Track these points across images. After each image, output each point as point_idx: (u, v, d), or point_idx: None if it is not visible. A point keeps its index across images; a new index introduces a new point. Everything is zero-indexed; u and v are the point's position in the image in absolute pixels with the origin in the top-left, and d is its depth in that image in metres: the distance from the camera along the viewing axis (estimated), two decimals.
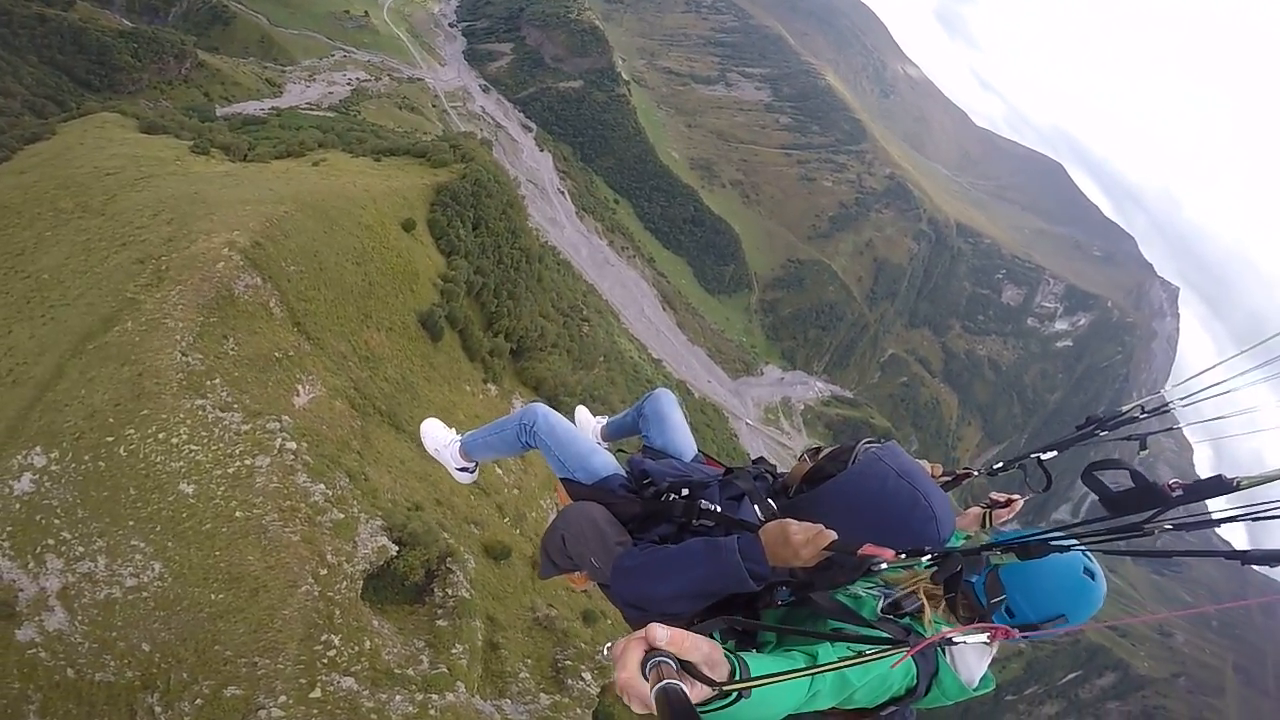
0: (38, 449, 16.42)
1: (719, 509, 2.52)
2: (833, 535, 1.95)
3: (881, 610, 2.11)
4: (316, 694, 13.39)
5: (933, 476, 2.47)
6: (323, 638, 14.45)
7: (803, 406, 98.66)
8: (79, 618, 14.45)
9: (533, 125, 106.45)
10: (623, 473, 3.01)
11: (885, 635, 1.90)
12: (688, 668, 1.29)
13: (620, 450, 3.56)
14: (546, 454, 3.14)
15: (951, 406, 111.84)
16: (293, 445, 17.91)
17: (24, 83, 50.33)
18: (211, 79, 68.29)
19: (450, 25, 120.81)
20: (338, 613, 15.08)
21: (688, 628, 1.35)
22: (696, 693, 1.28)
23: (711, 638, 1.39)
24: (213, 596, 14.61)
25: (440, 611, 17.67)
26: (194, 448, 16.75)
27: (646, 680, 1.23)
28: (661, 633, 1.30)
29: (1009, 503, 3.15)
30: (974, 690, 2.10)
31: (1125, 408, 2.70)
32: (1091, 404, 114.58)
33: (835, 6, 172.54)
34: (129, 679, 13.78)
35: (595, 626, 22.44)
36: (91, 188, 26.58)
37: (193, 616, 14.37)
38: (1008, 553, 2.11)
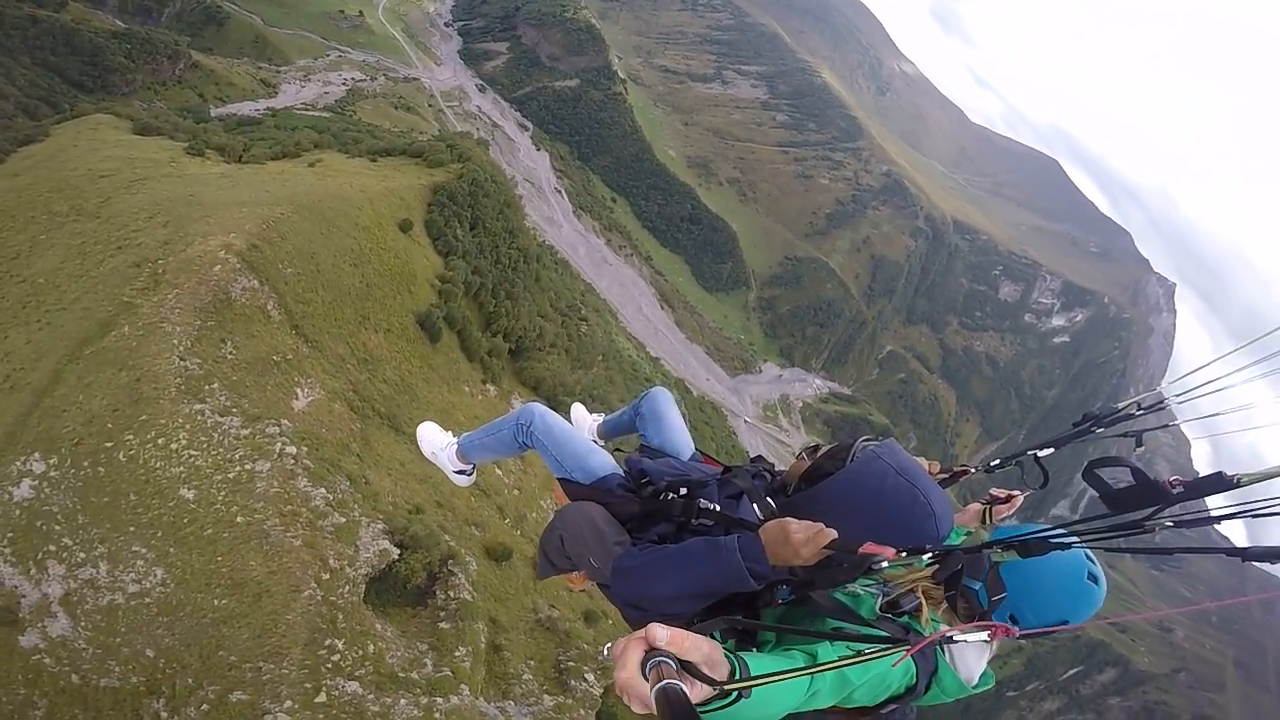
0: (36, 455, 16.37)
1: (718, 508, 2.52)
2: (833, 534, 1.94)
3: (879, 608, 2.11)
4: (322, 699, 13.39)
5: (930, 474, 2.47)
6: (326, 642, 14.45)
7: (801, 404, 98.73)
8: (82, 624, 14.43)
9: (529, 124, 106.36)
10: (620, 472, 3.00)
11: (884, 634, 1.90)
12: (688, 667, 1.30)
13: (618, 449, 3.55)
14: (544, 454, 3.13)
15: (949, 403, 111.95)
16: (293, 449, 17.89)
17: (17, 84, 49.99)
18: (206, 80, 67.97)
19: (446, 24, 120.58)
20: (341, 617, 15.08)
21: (688, 627, 1.35)
22: (696, 692, 1.28)
23: (711, 637, 1.39)
24: (216, 602, 14.60)
25: (443, 614, 17.65)
26: (193, 453, 16.71)
27: (646, 680, 1.24)
28: (661, 632, 1.30)
29: (1009, 498, 3.13)
30: (974, 688, 2.10)
31: (1121, 404, 2.69)
32: (1089, 399, 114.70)
33: (831, 4, 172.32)
34: (134, 684, 13.77)
35: (597, 627, 22.43)
36: (86, 190, 26.45)
37: (196, 622, 14.36)
38: (1008, 550, 2.12)
